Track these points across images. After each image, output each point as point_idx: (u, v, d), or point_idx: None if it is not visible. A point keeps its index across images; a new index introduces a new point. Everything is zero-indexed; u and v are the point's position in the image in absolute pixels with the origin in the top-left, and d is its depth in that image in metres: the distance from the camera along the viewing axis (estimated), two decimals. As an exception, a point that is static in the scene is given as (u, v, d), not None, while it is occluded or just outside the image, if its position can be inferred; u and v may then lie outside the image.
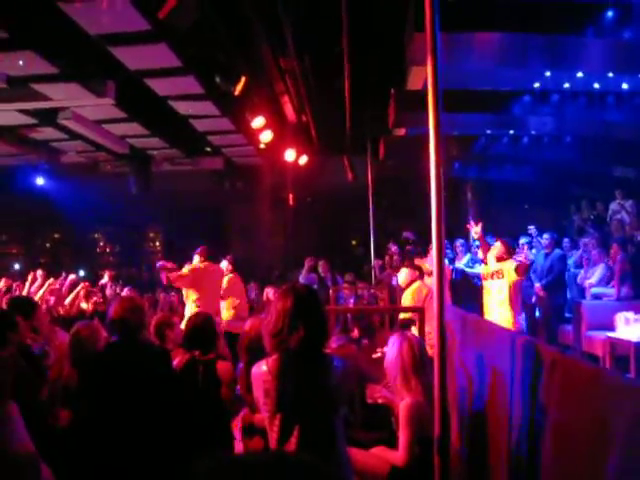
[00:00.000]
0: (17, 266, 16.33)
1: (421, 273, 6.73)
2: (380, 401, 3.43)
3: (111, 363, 3.34)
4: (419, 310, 5.91)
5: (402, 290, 6.72)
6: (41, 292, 6.72)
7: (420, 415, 3.09)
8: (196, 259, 7.02)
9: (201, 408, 3.59)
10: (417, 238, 9.92)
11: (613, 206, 10.69)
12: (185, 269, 6.90)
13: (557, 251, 8.95)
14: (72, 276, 7.66)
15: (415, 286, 6.41)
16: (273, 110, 8.61)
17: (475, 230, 6.58)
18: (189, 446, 3.35)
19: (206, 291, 6.79)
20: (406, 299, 6.41)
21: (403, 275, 6.59)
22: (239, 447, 3.74)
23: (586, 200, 11.93)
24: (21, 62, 6.36)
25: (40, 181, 13.31)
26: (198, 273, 6.83)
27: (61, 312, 6.78)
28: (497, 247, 6.50)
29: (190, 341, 3.85)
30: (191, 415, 3.51)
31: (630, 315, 6.55)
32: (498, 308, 6.30)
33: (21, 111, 8.45)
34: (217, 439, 3.61)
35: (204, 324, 3.94)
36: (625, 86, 8.58)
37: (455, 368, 3.71)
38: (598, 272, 8.32)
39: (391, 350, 3.34)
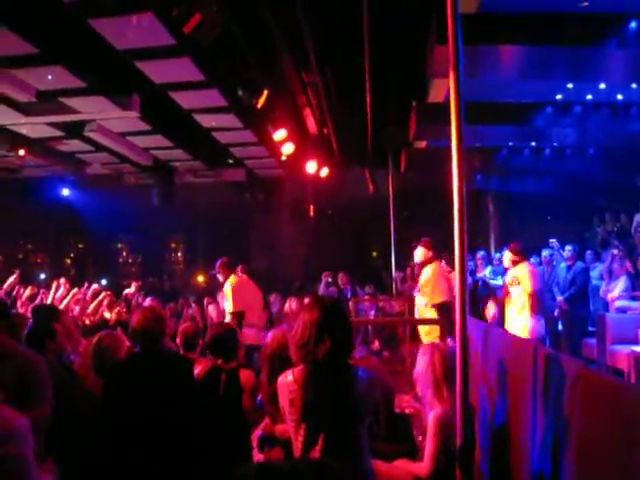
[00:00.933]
0: (42, 275, 16.57)
1: (435, 254, 6.84)
2: (407, 411, 3.42)
3: (134, 372, 3.38)
4: (441, 321, 5.90)
5: (419, 267, 7.02)
6: (66, 301, 6.84)
7: (450, 426, 3.07)
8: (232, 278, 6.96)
9: (222, 417, 3.62)
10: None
11: (638, 218, 10.55)
12: (228, 291, 6.84)
13: (579, 263, 8.85)
14: (95, 286, 7.78)
15: (434, 265, 6.64)
16: (295, 123, 8.68)
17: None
18: (209, 454, 3.38)
19: (248, 304, 6.86)
20: (425, 275, 6.65)
21: (419, 253, 6.78)
22: (258, 458, 3.75)
23: (610, 212, 11.79)
24: (50, 77, 6.52)
25: (66, 192, 13.55)
26: (237, 288, 6.81)
27: (85, 321, 6.90)
28: (506, 255, 6.64)
29: (213, 350, 3.89)
30: (212, 424, 3.54)
31: (655, 329, 6.45)
32: (516, 315, 6.31)
33: (49, 124, 8.64)
34: (237, 448, 3.63)
35: (226, 333, 3.98)
36: (649, 97, 8.50)
37: (477, 381, 3.70)
38: (620, 284, 8.21)
39: (421, 360, 3.32)
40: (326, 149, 10.68)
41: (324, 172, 10.86)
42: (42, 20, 5.43)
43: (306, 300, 3.43)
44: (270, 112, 7.53)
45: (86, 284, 7.74)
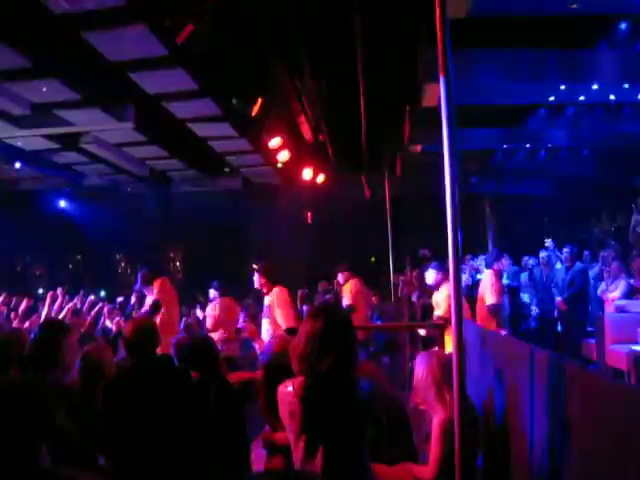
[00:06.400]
0: (40, 290, 16.54)
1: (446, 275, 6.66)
2: (422, 407, 3.39)
3: (127, 386, 3.37)
4: (440, 327, 5.91)
5: (432, 289, 6.66)
6: (63, 313, 6.81)
7: (452, 430, 3.07)
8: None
9: (220, 426, 3.61)
10: (433, 254, 9.90)
11: (635, 217, 10.58)
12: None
13: (578, 264, 8.87)
14: (91, 297, 7.76)
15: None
16: (290, 130, 8.70)
17: None
18: (208, 465, 3.38)
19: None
20: (440, 297, 6.31)
21: (430, 275, 6.52)
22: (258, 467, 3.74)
23: (606, 212, 11.83)
24: (44, 89, 6.53)
25: (63, 204, 13.56)
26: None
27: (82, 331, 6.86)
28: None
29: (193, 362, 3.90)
30: (210, 434, 3.53)
31: (654, 328, 6.46)
32: None
33: (45, 136, 8.65)
34: (235, 459, 3.63)
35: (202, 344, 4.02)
36: (641, 97, 8.54)
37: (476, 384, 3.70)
38: (621, 286, 8.21)
39: (419, 367, 3.32)
40: (322, 155, 10.69)
41: (320, 179, 10.87)
42: (36, 33, 5.44)
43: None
44: (265, 120, 7.54)
45: (81, 292, 7.72)
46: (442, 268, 6.40)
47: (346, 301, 8.03)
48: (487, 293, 6.48)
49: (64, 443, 2.80)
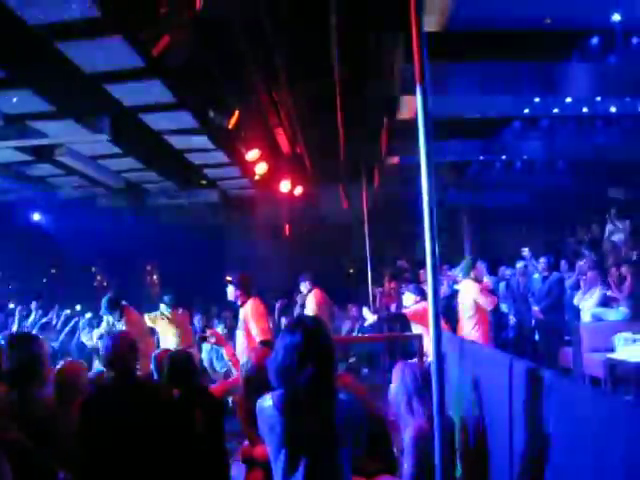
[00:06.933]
0: (11, 305, 16.22)
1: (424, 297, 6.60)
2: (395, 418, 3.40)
3: (107, 402, 3.31)
4: (418, 337, 5.91)
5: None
6: (35, 329, 6.69)
7: (426, 442, 3.07)
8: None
9: (203, 442, 3.56)
10: (410, 265, 9.94)
11: (608, 227, 10.76)
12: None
13: (555, 274, 8.98)
14: (67, 311, 7.64)
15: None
16: (267, 142, 8.70)
17: None
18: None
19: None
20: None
21: (409, 299, 6.43)
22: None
23: (581, 222, 12.01)
24: (15, 99, 6.44)
25: (37, 217, 13.34)
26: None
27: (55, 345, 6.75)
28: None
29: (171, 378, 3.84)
30: (193, 451, 3.48)
31: (629, 336, 6.54)
32: None
33: (17, 148, 8.51)
34: (217, 472, 3.58)
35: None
36: (613, 109, 8.72)
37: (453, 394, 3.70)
38: (596, 295, 8.32)
39: (394, 379, 3.35)
40: (299, 167, 10.70)
41: (298, 190, 10.88)
42: (8, 43, 5.37)
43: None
44: (242, 132, 7.53)
45: (56, 306, 7.60)
46: (420, 291, 6.35)
47: (309, 311, 7.94)
48: (478, 299, 6.36)
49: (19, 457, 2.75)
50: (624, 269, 8.30)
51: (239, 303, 6.18)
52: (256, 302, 6.09)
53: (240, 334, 6.13)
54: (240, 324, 6.17)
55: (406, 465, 3.09)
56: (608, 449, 1.84)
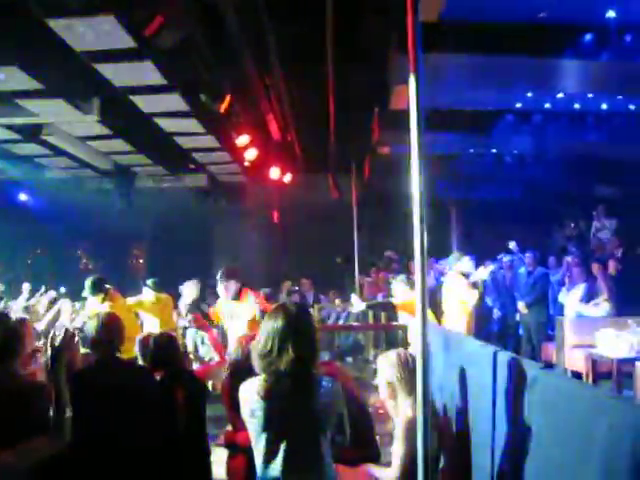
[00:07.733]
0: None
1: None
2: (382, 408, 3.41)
3: (89, 383, 3.30)
4: (404, 327, 5.94)
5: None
6: (20, 310, 6.64)
7: (414, 432, 3.08)
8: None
9: (186, 426, 3.56)
10: (399, 257, 9.95)
11: (595, 224, 10.84)
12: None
13: (540, 269, 9.04)
14: (52, 292, 7.58)
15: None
16: (258, 128, 8.65)
17: None
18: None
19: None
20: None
21: (399, 289, 6.31)
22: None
23: (568, 218, 12.08)
24: (2, 76, 6.33)
25: (23, 197, 13.20)
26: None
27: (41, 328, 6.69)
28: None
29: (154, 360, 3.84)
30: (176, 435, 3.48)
31: (611, 332, 6.61)
32: None
33: (4, 126, 8.40)
34: (192, 456, 3.58)
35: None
36: (604, 106, 8.75)
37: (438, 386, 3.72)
38: (581, 291, 8.38)
39: (381, 367, 3.35)
40: (289, 155, 10.66)
41: (287, 178, 10.85)
42: (-2, 20, 5.28)
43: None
44: (233, 117, 7.48)
45: (43, 287, 7.54)
46: (410, 282, 6.27)
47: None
48: (462, 294, 6.46)
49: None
50: (611, 264, 8.36)
51: (240, 297, 5.87)
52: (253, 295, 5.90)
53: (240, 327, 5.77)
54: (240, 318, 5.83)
55: (396, 452, 3.09)
56: (590, 441, 1.86)
